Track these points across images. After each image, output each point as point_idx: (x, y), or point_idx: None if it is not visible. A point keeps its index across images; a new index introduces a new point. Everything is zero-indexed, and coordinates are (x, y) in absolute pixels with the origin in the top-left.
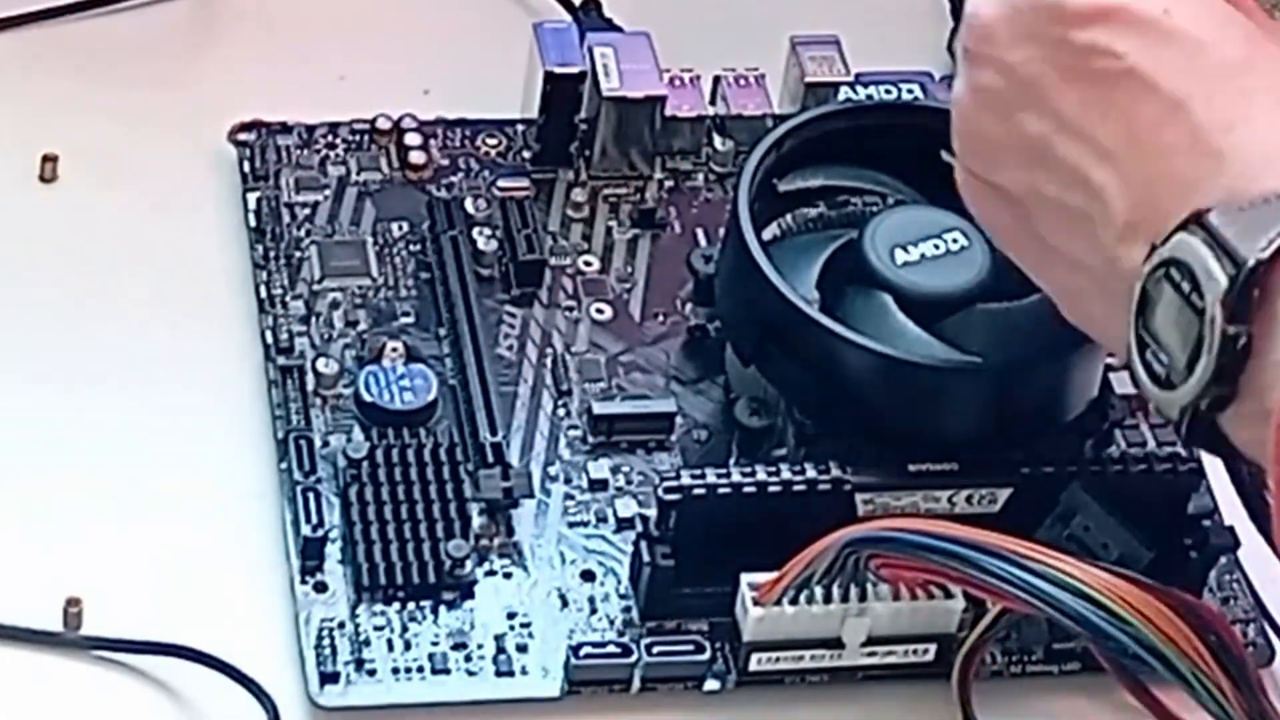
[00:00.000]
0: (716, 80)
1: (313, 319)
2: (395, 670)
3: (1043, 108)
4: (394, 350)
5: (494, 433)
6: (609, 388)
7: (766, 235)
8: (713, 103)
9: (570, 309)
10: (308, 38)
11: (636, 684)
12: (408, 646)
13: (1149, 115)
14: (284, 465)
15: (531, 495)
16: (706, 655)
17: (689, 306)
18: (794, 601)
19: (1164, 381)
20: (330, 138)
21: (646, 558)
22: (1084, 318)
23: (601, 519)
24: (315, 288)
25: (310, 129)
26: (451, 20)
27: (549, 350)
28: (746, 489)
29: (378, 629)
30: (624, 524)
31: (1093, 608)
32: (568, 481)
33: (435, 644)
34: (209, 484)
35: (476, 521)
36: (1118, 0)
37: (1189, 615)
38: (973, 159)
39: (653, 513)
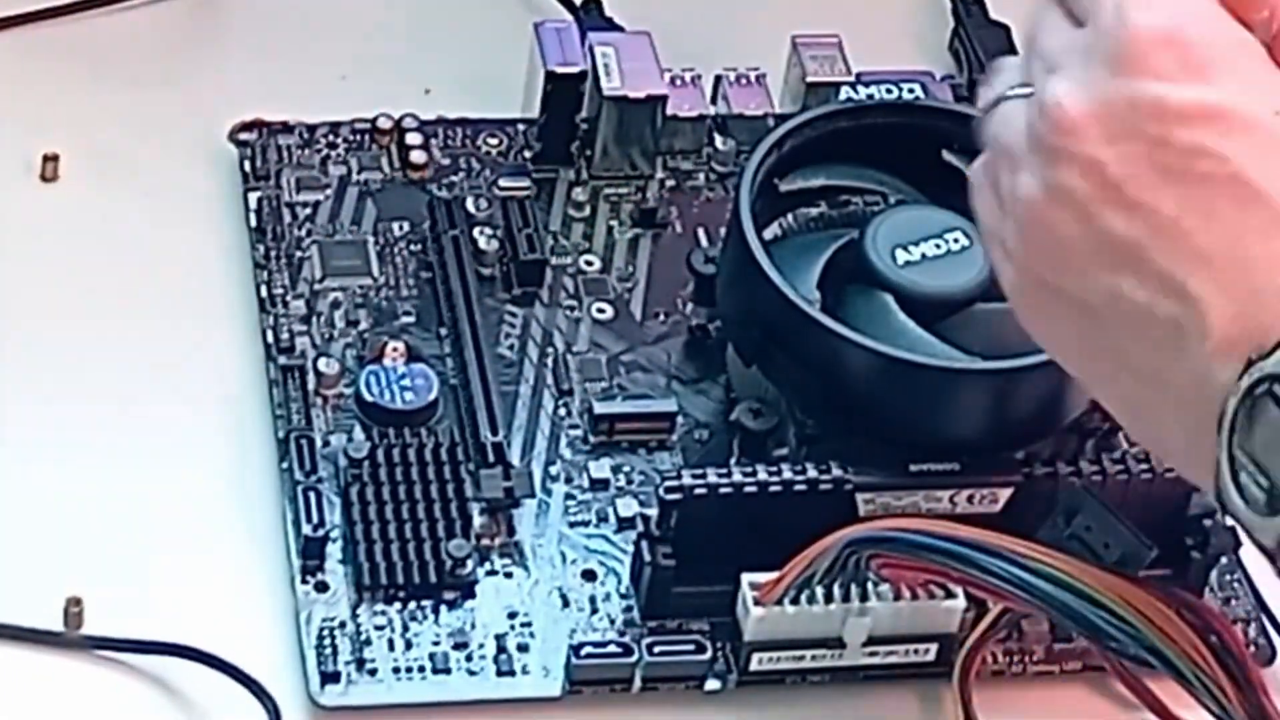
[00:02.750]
0: (717, 80)
1: (314, 318)
2: (396, 670)
3: (1135, 208)
4: (395, 350)
5: (495, 432)
6: (610, 387)
7: (768, 235)
8: (714, 102)
9: (571, 308)
10: (309, 37)
11: (637, 684)
12: (409, 646)
13: (1254, 223)
14: (285, 465)
15: (532, 495)
16: (707, 655)
17: (690, 306)
18: (795, 601)
19: (1262, 507)
20: (331, 137)
21: (647, 557)
22: (1154, 434)
23: (602, 518)
24: (316, 287)
25: (311, 128)
26: (452, 20)
27: (550, 350)
28: (747, 489)
29: (379, 628)
30: (625, 523)
31: (1093, 608)
32: (569, 481)
33: (436, 643)
34: (210, 483)
35: (477, 521)
36: (1225, 101)
37: (1190, 615)
38: (1042, 262)
39: (654, 512)
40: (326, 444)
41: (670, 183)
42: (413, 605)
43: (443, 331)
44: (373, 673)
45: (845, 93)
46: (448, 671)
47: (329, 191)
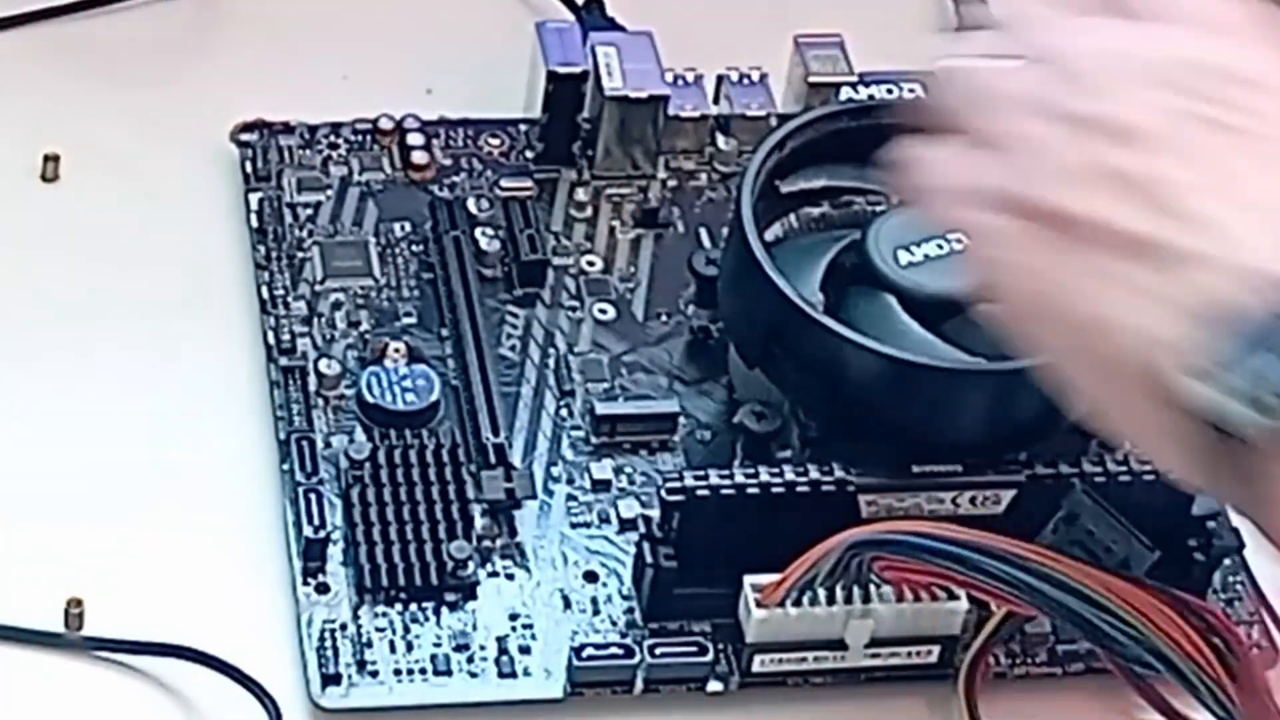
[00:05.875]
0: (719, 80)
1: (315, 319)
2: (397, 672)
3: (1189, 149)
4: (396, 351)
5: (496, 433)
6: (612, 388)
7: (770, 236)
8: (716, 102)
9: (573, 309)
10: (310, 37)
11: (639, 685)
12: (410, 648)
13: None
14: (286, 466)
15: (534, 496)
16: (709, 657)
17: (692, 307)
18: (797, 603)
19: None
20: (332, 138)
21: (649, 559)
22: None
23: (604, 520)
24: (317, 288)
25: (312, 129)
26: (454, 20)
27: (552, 350)
28: (750, 490)
29: (380, 630)
30: (627, 525)
31: (1096, 611)
32: (570, 482)
33: (437, 645)
34: (211, 485)
35: (479, 522)
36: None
37: (1192, 617)
38: (1031, 176)
39: (656, 513)
40: (328, 445)
41: (672, 183)
42: (414, 607)
43: (444, 332)
44: (374, 675)
45: (847, 93)
46: (449, 673)
47: (330, 192)
